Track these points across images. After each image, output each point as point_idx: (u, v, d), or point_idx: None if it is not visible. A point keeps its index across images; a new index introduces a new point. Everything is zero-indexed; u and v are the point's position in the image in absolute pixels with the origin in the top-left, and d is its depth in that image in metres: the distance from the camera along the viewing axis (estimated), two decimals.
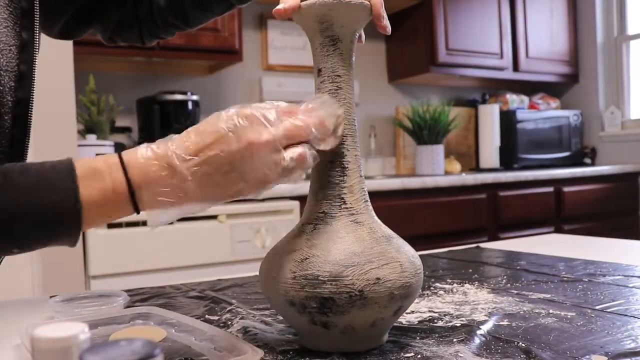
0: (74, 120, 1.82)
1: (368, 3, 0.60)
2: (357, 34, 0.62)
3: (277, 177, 0.54)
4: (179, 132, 0.56)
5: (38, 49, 0.70)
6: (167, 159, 0.52)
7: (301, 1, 0.60)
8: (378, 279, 0.55)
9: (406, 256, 0.58)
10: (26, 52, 0.67)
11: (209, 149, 0.52)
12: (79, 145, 1.93)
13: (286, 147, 0.53)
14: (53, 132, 1.79)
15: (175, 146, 0.53)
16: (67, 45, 1.74)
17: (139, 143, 2.44)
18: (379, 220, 0.61)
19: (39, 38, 0.70)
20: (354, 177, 0.60)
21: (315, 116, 0.55)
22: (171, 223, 0.58)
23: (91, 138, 2.09)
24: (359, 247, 0.56)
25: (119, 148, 2.31)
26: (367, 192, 0.62)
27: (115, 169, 0.52)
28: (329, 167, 0.60)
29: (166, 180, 0.52)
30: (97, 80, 2.28)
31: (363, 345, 0.59)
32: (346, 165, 0.60)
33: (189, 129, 0.55)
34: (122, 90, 2.52)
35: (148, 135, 2.39)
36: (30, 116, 0.69)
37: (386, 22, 0.62)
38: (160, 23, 0.93)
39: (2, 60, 0.64)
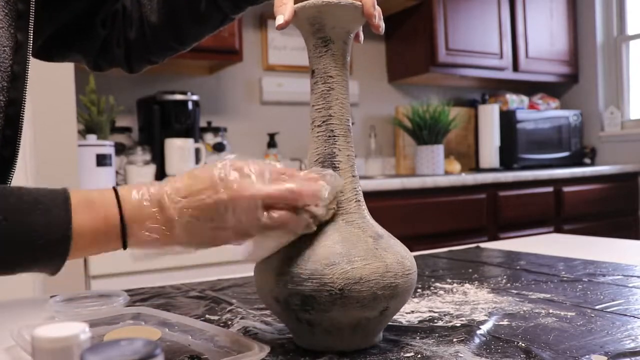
0: (74, 120, 1.82)
1: (359, 3, 0.60)
2: (351, 35, 0.63)
3: (257, 233, 0.55)
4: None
5: (31, 50, 0.70)
6: (159, 198, 0.53)
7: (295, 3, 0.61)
8: (360, 278, 0.55)
9: (394, 257, 0.57)
10: (20, 53, 0.67)
11: (198, 193, 0.53)
12: (79, 145, 1.93)
13: (270, 207, 0.54)
14: (53, 132, 1.79)
15: (168, 187, 0.54)
16: None
17: (139, 143, 2.44)
18: (371, 220, 0.61)
19: (33, 40, 0.70)
20: (345, 178, 0.61)
21: (310, 186, 0.55)
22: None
23: (91, 138, 2.09)
24: (344, 247, 0.57)
25: (119, 148, 2.31)
26: (360, 192, 0.62)
27: (110, 203, 0.53)
28: (322, 167, 0.61)
29: (156, 219, 0.53)
30: (97, 80, 2.28)
31: (353, 344, 0.58)
32: (337, 165, 0.60)
33: (185, 172, 0.56)
34: (122, 90, 2.52)
35: (148, 135, 2.39)
36: (22, 116, 0.70)
37: (379, 22, 0.62)
38: (151, 43, 0.89)
39: None
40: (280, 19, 0.61)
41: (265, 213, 0.53)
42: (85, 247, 0.52)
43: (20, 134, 0.70)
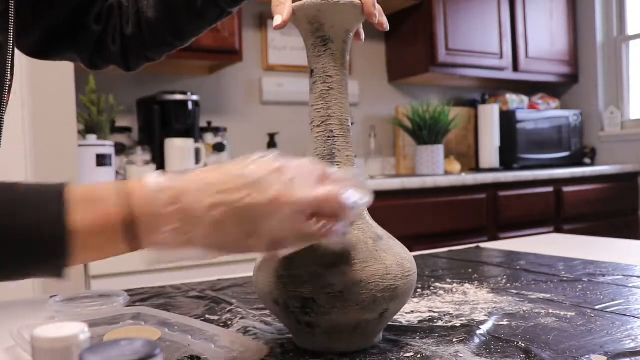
0: (74, 120, 1.82)
1: (358, 2, 0.59)
2: (350, 34, 0.62)
3: (292, 243, 0.48)
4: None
5: (13, 51, 0.69)
6: (179, 193, 0.45)
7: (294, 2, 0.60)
8: (360, 281, 0.54)
9: (394, 258, 0.57)
10: (0, 54, 0.66)
11: (231, 192, 0.46)
12: (79, 145, 1.93)
13: (313, 215, 0.47)
14: (53, 132, 1.79)
15: (191, 181, 0.47)
16: None
17: (139, 143, 2.42)
18: (371, 221, 0.61)
19: (14, 40, 0.69)
20: None
21: (349, 190, 0.49)
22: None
23: (91, 138, 2.09)
24: (343, 248, 0.56)
25: (119, 148, 2.31)
26: None
27: (114, 195, 0.45)
28: None
29: (173, 217, 0.45)
30: (97, 80, 2.28)
31: (353, 345, 0.58)
32: (336, 166, 0.60)
33: (211, 167, 0.49)
34: (122, 90, 2.52)
35: (148, 135, 2.39)
36: (2, 117, 0.70)
37: (382, 19, 0.60)
38: (149, 39, 0.88)
39: None
40: (278, 19, 0.59)
41: (309, 222, 0.47)
42: (87, 248, 0.45)
43: (0, 133, 0.70)
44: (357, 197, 0.49)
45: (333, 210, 0.48)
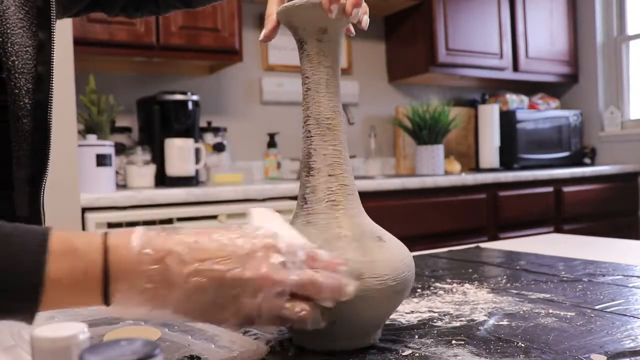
0: (74, 120, 1.82)
1: (318, 0, 0.57)
2: (329, 32, 0.60)
3: (267, 322, 0.48)
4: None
5: (54, 48, 0.69)
6: (165, 254, 0.45)
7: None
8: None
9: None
10: (43, 53, 0.66)
11: (217, 262, 0.46)
12: (79, 145, 1.93)
13: (293, 296, 0.48)
14: (53, 132, 1.79)
15: (176, 242, 0.46)
16: (67, 46, 1.74)
17: (139, 143, 2.41)
18: (342, 222, 0.58)
19: (54, 37, 0.69)
20: (319, 178, 0.60)
21: (335, 278, 0.49)
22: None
23: (91, 138, 2.09)
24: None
25: (119, 148, 2.31)
26: (337, 192, 0.59)
27: (94, 250, 0.45)
28: (302, 168, 0.62)
29: (152, 278, 0.45)
30: (97, 80, 2.28)
31: (352, 345, 0.58)
32: (312, 166, 0.60)
33: (201, 230, 0.48)
34: (122, 90, 2.52)
35: (148, 135, 2.39)
36: (50, 119, 0.69)
37: (342, 10, 0.57)
38: (161, 5, 0.93)
39: (17, 62, 0.62)
40: (262, 34, 0.63)
41: (288, 304, 0.47)
42: (60, 300, 0.45)
43: (50, 137, 0.69)
44: (342, 282, 0.49)
45: (313, 294, 0.48)
